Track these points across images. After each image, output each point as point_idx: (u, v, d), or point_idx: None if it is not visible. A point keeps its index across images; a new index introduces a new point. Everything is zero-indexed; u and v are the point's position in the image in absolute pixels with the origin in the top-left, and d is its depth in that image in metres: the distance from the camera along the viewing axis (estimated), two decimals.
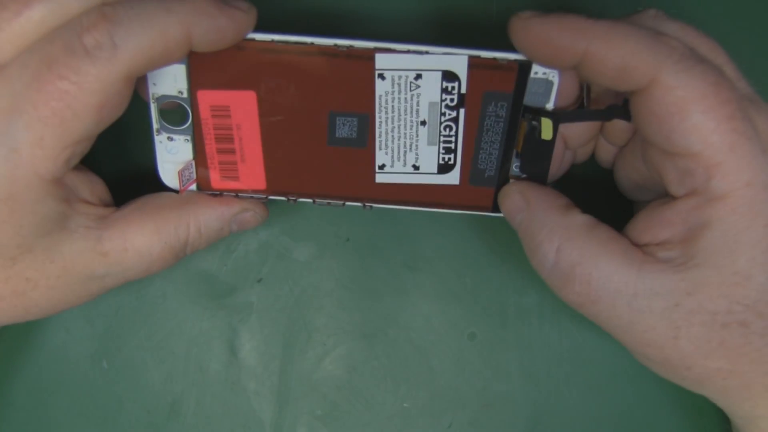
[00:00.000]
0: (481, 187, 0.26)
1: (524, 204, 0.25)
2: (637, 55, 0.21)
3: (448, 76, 0.24)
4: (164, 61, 0.22)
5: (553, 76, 0.24)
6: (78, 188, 0.24)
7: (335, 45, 0.24)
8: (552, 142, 0.24)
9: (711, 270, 0.21)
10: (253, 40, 0.24)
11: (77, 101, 0.21)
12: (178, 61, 0.24)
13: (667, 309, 0.22)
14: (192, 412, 0.29)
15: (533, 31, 0.22)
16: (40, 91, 0.21)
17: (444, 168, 0.26)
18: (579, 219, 0.23)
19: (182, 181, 0.26)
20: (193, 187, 0.26)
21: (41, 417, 0.29)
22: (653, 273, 0.22)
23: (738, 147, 0.20)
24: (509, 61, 0.24)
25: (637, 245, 0.22)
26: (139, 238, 0.24)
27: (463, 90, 0.25)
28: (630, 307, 0.22)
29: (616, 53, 0.21)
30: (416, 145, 0.25)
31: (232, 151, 0.26)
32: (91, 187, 0.25)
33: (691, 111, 0.20)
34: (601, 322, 0.23)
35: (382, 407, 0.29)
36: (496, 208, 0.26)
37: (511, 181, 0.26)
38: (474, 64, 0.24)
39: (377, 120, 0.25)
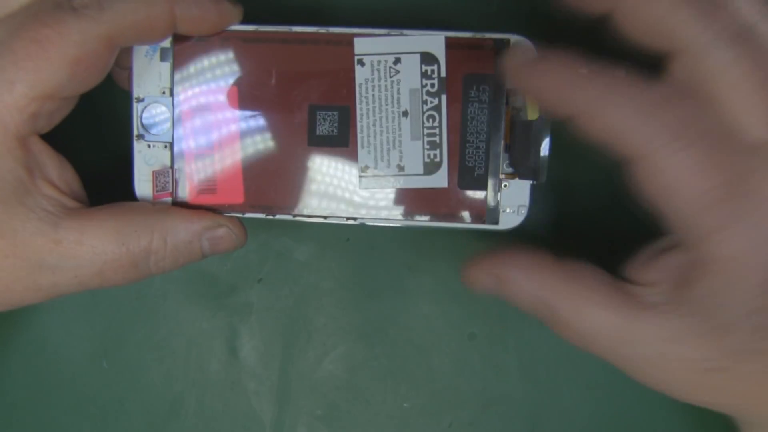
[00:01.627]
0: (472, 190, 0.25)
1: (497, 283, 0.24)
2: (627, 129, 0.20)
3: (427, 58, 0.24)
4: (147, 33, 0.23)
5: (533, 54, 0.23)
6: (45, 165, 0.23)
7: (315, 32, 0.24)
8: (540, 122, 0.24)
9: (692, 321, 0.22)
10: (235, 31, 0.24)
11: (55, 48, 0.21)
12: (164, 38, 0.24)
13: (653, 356, 0.22)
14: (192, 412, 0.29)
15: None
16: (21, 37, 0.21)
17: (430, 167, 0.25)
18: (563, 270, 0.23)
19: (156, 185, 0.25)
20: (168, 200, 0.25)
21: (41, 417, 0.29)
22: (639, 320, 0.22)
23: (723, 227, 0.20)
24: (486, 40, 0.24)
25: (631, 282, 0.23)
26: (97, 234, 0.23)
27: (443, 73, 0.24)
28: (619, 351, 0.23)
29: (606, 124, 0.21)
30: (399, 141, 0.25)
31: (211, 157, 0.25)
32: (61, 170, 0.24)
33: (673, 197, 0.20)
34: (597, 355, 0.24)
35: (382, 407, 0.29)
36: (489, 218, 0.25)
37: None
38: (452, 44, 0.24)
39: (358, 112, 0.25)
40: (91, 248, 0.23)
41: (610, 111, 0.20)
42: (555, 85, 0.21)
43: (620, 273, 0.23)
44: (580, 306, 0.23)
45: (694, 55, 0.20)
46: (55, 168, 0.24)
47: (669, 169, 0.20)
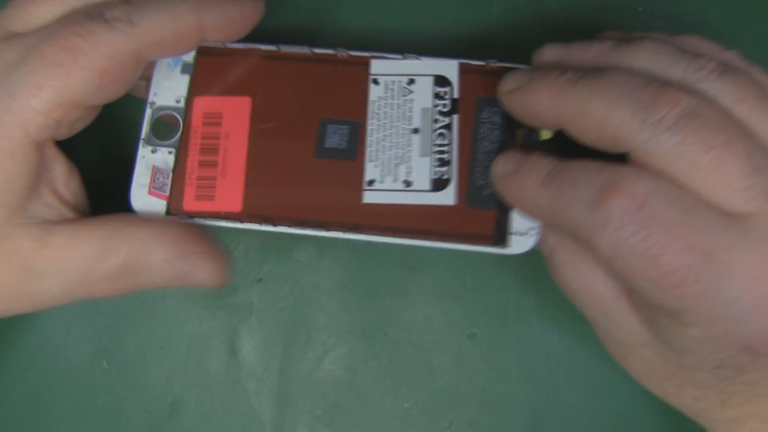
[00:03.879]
0: (480, 209, 0.24)
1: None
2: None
3: (441, 80, 0.25)
4: (175, 47, 0.23)
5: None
6: (54, 172, 0.23)
7: (334, 52, 0.25)
8: (553, 143, 0.24)
9: (663, 346, 0.22)
10: (256, 49, 0.25)
11: (85, 57, 0.22)
12: (191, 50, 0.24)
13: (623, 342, 0.24)
14: (192, 412, 0.29)
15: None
16: (53, 44, 0.22)
17: (438, 184, 0.24)
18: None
19: (153, 182, 0.24)
20: (163, 205, 0.24)
21: (41, 417, 0.29)
22: (625, 310, 0.23)
23: (697, 302, 0.20)
24: (499, 67, 0.25)
25: None
26: (84, 241, 0.23)
27: (456, 95, 0.25)
28: (600, 321, 0.24)
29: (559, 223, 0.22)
30: (408, 156, 0.24)
31: (214, 164, 0.25)
32: (68, 179, 0.24)
33: (634, 279, 0.20)
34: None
35: (382, 407, 0.29)
36: (498, 240, 0.24)
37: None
38: (465, 68, 0.25)
39: (369, 127, 0.25)
40: (76, 254, 0.22)
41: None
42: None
43: None
44: (578, 268, 0.23)
45: (643, 150, 0.20)
46: (63, 176, 0.24)
47: (620, 258, 0.20)
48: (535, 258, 0.28)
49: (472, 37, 0.29)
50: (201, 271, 0.23)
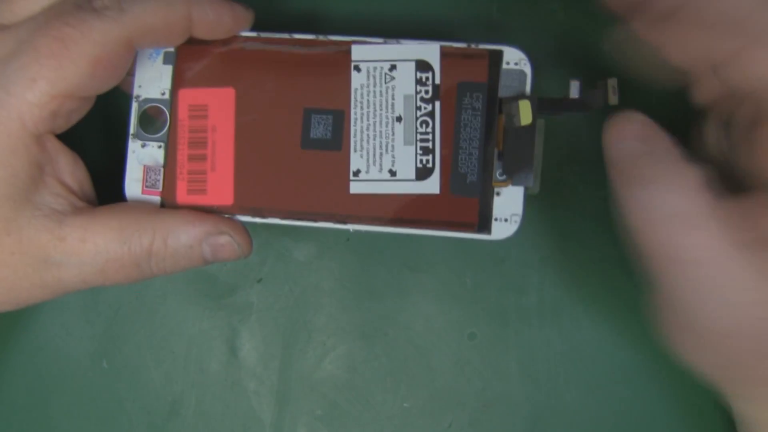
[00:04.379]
0: (464, 197, 0.24)
1: (644, 133, 0.22)
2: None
3: (422, 66, 0.24)
4: (165, 36, 0.23)
5: (526, 65, 0.24)
6: (59, 164, 0.24)
7: (315, 38, 0.25)
8: (533, 127, 0.24)
9: None
10: (237, 36, 0.25)
11: (77, 47, 0.22)
12: (179, 42, 0.24)
13: (713, 284, 0.21)
14: (192, 412, 0.29)
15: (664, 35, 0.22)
16: (44, 35, 0.22)
17: (422, 173, 0.24)
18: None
19: (146, 181, 0.25)
20: (157, 201, 0.25)
21: (41, 417, 0.29)
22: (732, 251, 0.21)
23: None
24: (480, 50, 0.24)
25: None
26: (100, 232, 0.23)
27: (438, 80, 0.24)
28: (671, 253, 0.21)
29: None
30: (392, 146, 0.24)
31: (204, 158, 0.25)
32: (74, 169, 0.24)
33: None
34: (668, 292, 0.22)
35: (382, 407, 0.29)
36: (482, 226, 0.24)
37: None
38: (446, 53, 0.24)
39: (352, 116, 0.25)
40: (94, 246, 0.23)
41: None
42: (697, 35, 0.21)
43: None
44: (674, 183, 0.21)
45: None
46: (68, 166, 0.24)
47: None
48: (534, 258, 0.28)
49: (472, 36, 0.29)
50: (223, 249, 0.24)
